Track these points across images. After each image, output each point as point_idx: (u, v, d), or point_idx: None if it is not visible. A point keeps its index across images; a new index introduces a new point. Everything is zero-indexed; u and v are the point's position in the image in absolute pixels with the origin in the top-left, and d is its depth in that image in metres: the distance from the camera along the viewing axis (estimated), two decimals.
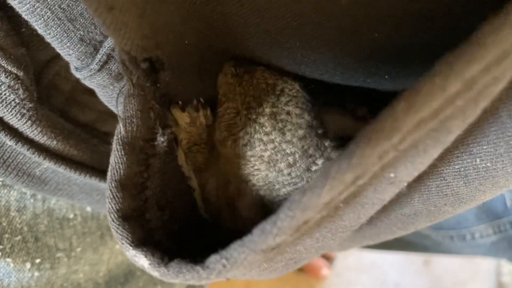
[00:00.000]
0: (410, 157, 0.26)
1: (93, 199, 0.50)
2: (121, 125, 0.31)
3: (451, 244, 0.80)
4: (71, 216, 0.53)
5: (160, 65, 0.32)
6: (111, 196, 0.30)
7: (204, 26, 0.35)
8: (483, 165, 0.33)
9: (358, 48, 0.35)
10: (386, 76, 0.41)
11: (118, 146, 0.31)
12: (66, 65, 0.45)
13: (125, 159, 0.31)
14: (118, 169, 0.31)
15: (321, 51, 0.36)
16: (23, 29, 0.41)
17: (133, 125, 0.31)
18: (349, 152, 0.23)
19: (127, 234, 0.30)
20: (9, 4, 0.35)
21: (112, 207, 0.30)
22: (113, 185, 0.31)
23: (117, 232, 0.30)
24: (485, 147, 0.33)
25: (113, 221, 0.30)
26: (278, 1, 0.31)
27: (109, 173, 0.31)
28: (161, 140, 0.33)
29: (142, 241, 0.30)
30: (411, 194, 0.37)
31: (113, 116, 0.49)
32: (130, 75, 0.31)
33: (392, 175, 0.27)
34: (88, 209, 0.55)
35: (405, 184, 0.31)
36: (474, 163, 0.34)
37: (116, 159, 0.31)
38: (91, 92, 0.46)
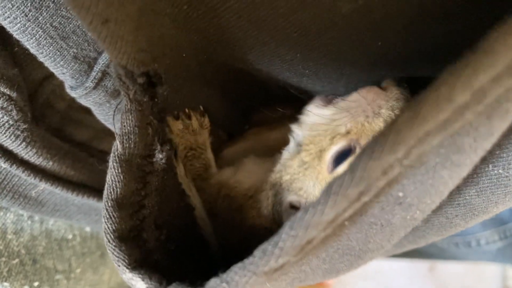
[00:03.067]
0: (419, 175, 0.25)
1: (91, 219, 0.49)
2: (118, 142, 0.30)
3: (456, 251, 0.79)
4: (70, 236, 0.52)
5: (157, 79, 0.31)
6: (107, 216, 0.29)
7: (201, 39, 0.34)
8: (495, 171, 0.32)
9: (361, 57, 0.35)
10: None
11: (115, 164, 0.30)
12: (61, 84, 0.44)
13: (122, 177, 0.30)
14: (115, 188, 0.30)
15: (323, 62, 0.35)
16: (16, 49, 0.40)
17: (130, 141, 0.30)
18: (352, 167, 0.22)
19: (123, 256, 0.29)
20: None
21: (108, 227, 0.29)
22: (109, 204, 0.30)
23: (113, 253, 0.29)
24: (497, 152, 0.32)
25: (109, 242, 0.29)
26: (276, 12, 0.30)
27: (105, 192, 0.30)
28: (159, 156, 0.32)
29: (139, 263, 0.29)
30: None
31: (110, 134, 0.48)
32: (127, 90, 0.30)
33: (400, 194, 0.26)
34: (87, 229, 0.54)
35: (417, 211, 0.29)
36: (486, 169, 0.33)
37: (112, 177, 0.30)
38: (87, 111, 0.45)
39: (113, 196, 0.30)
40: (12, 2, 0.32)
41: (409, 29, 0.33)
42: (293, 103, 0.54)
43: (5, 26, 0.34)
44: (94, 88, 0.38)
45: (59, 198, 0.45)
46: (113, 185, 0.30)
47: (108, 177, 0.30)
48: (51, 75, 0.44)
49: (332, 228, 0.25)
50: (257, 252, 0.24)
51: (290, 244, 0.23)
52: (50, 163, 0.42)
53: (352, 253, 0.32)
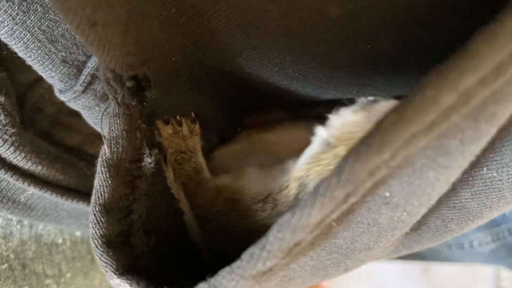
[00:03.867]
0: (406, 176, 0.25)
1: (82, 224, 0.49)
2: (106, 146, 0.30)
3: (449, 253, 0.79)
4: (60, 241, 0.52)
5: (146, 82, 0.31)
6: (95, 221, 0.29)
7: (190, 43, 0.34)
8: (490, 174, 0.32)
9: (351, 61, 0.35)
10: (381, 87, 0.41)
11: (102, 168, 0.30)
12: (50, 88, 0.43)
13: (110, 181, 0.30)
14: (102, 193, 0.30)
15: (313, 65, 0.35)
16: (4, 52, 0.40)
17: (118, 146, 0.30)
18: (339, 169, 0.22)
19: (111, 262, 0.28)
20: None
21: (95, 232, 0.29)
22: (97, 209, 0.29)
23: (100, 259, 0.29)
24: (491, 155, 0.32)
25: (97, 247, 0.29)
26: (265, 16, 0.30)
27: (93, 197, 0.30)
28: (148, 161, 0.32)
29: (127, 269, 0.29)
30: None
31: (100, 138, 0.48)
32: (115, 94, 0.30)
33: (387, 194, 0.26)
34: (78, 233, 0.54)
35: (404, 213, 0.29)
36: (481, 172, 0.33)
37: (100, 182, 0.30)
38: (77, 114, 0.45)
39: (100, 201, 0.30)
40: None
41: (399, 33, 0.33)
42: (284, 106, 0.54)
43: None
44: (83, 91, 0.38)
45: (49, 203, 0.45)
46: (101, 190, 0.30)
47: (96, 182, 0.30)
48: (40, 79, 0.43)
49: (320, 229, 0.25)
50: (245, 256, 0.24)
51: (278, 247, 0.23)
52: (39, 167, 0.41)
53: (340, 251, 0.32)
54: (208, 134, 0.49)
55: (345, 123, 0.39)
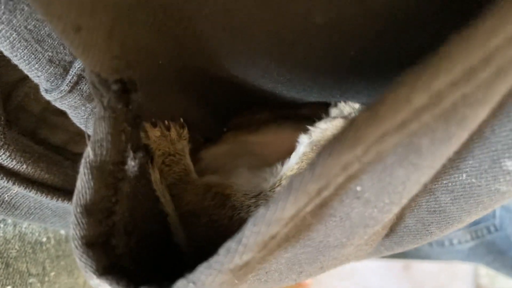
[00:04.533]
0: (377, 172, 0.25)
1: (66, 222, 0.49)
2: (89, 149, 0.30)
3: (430, 250, 0.81)
4: (44, 239, 0.52)
5: (132, 85, 0.31)
6: (76, 222, 0.29)
7: (177, 46, 0.34)
8: (469, 180, 0.33)
9: (335, 66, 0.35)
10: (363, 91, 0.41)
11: (85, 170, 0.30)
12: (36, 87, 0.43)
13: (92, 183, 0.30)
14: (84, 194, 0.30)
15: (297, 70, 0.36)
16: None
17: (102, 148, 0.30)
18: (312, 163, 0.22)
19: (91, 262, 0.28)
20: None
21: (76, 233, 0.29)
22: (78, 210, 0.29)
23: (80, 260, 0.29)
24: (470, 162, 0.32)
25: (77, 248, 0.29)
26: (251, 21, 0.31)
27: (74, 198, 0.30)
28: (132, 164, 0.32)
29: (107, 269, 0.29)
30: (403, 211, 0.37)
31: (85, 137, 0.48)
32: (101, 97, 0.30)
33: (358, 188, 0.26)
34: (62, 231, 0.54)
35: (375, 209, 0.30)
36: (460, 178, 0.33)
37: (83, 183, 0.30)
38: (63, 113, 0.45)
39: (82, 202, 0.30)
40: None
41: (380, 38, 0.33)
42: (269, 107, 0.55)
43: None
44: (70, 91, 0.38)
45: (33, 202, 0.45)
46: (83, 191, 0.30)
47: (78, 183, 0.30)
48: (25, 78, 0.43)
49: (294, 223, 0.25)
50: (222, 250, 0.24)
51: (253, 240, 0.24)
52: (24, 166, 0.41)
53: (313, 245, 0.32)
54: (194, 134, 0.50)
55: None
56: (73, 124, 0.45)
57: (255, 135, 0.54)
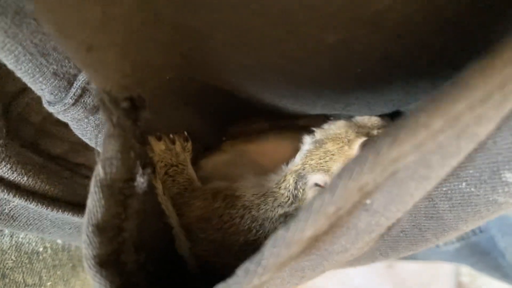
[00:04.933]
0: (387, 186, 0.26)
1: (65, 233, 0.49)
2: (100, 167, 0.30)
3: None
4: (41, 249, 0.51)
5: (141, 102, 0.31)
6: (88, 242, 0.29)
7: (184, 62, 0.34)
8: (468, 189, 0.34)
9: (341, 82, 0.36)
10: (365, 106, 0.42)
11: (96, 189, 0.30)
12: (36, 97, 0.43)
13: (103, 202, 0.30)
14: (96, 213, 0.30)
15: (304, 86, 0.36)
16: None
17: (112, 167, 0.30)
18: (332, 186, 0.23)
19: (105, 282, 0.29)
20: None
21: (89, 253, 0.29)
22: (90, 229, 0.29)
23: (94, 280, 0.29)
24: (471, 171, 0.33)
25: (90, 268, 0.29)
26: (263, 41, 0.31)
27: (86, 217, 0.30)
28: (141, 180, 0.32)
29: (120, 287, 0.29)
30: (403, 216, 0.38)
31: (85, 147, 0.48)
32: (110, 115, 0.30)
33: (368, 201, 0.27)
34: (59, 241, 0.53)
35: (382, 218, 0.31)
36: (460, 186, 0.34)
37: (94, 202, 0.30)
38: (62, 124, 0.45)
39: (93, 222, 0.29)
40: None
41: (387, 58, 0.34)
42: (268, 117, 0.55)
43: None
44: (73, 104, 0.38)
45: (32, 213, 0.44)
46: (94, 210, 0.30)
47: (89, 202, 0.30)
48: (25, 89, 0.43)
49: (310, 241, 0.26)
50: (240, 272, 0.25)
51: (273, 261, 0.24)
52: (25, 178, 0.41)
53: (318, 253, 0.33)
54: (194, 144, 0.50)
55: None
56: (73, 134, 0.45)
57: (253, 144, 0.55)
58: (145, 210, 0.34)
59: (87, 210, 0.30)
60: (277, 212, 0.43)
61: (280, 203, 0.43)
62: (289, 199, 0.43)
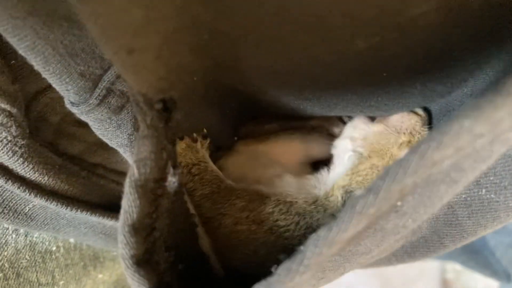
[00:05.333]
0: (420, 189, 0.27)
1: (80, 232, 0.49)
2: (135, 168, 0.30)
3: None
4: (54, 248, 0.51)
5: (173, 104, 0.32)
6: (125, 242, 0.30)
7: (213, 64, 0.35)
8: (488, 196, 0.35)
9: (365, 85, 0.37)
10: (383, 107, 0.43)
11: (131, 189, 0.30)
12: (55, 97, 0.43)
13: (138, 202, 0.30)
14: (131, 213, 0.30)
15: (329, 89, 0.37)
16: (13, 62, 0.39)
17: (146, 167, 0.31)
18: (376, 188, 0.24)
19: (143, 281, 0.29)
20: None
21: (126, 253, 0.29)
22: (126, 229, 0.30)
23: (133, 279, 0.29)
24: (491, 178, 0.35)
25: (128, 267, 0.29)
26: (295, 46, 0.31)
27: (121, 218, 0.30)
28: (172, 180, 0.33)
29: (156, 286, 0.30)
30: (422, 222, 0.39)
31: (102, 147, 0.48)
32: (144, 116, 0.30)
33: (399, 203, 0.28)
34: (71, 240, 0.53)
35: (410, 219, 0.32)
36: (479, 193, 0.36)
37: (129, 202, 0.30)
38: (80, 124, 0.45)
39: (129, 222, 0.30)
40: (25, 21, 0.32)
41: (413, 64, 0.35)
42: (278, 118, 0.56)
43: (12, 44, 0.33)
44: (98, 104, 0.38)
45: (50, 213, 0.45)
46: (130, 210, 0.30)
47: (124, 203, 0.30)
48: (45, 89, 0.43)
49: (348, 241, 0.27)
50: (282, 271, 0.26)
51: (314, 260, 0.25)
52: (46, 178, 0.41)
53: (342, 253, 0.34)
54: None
55: (368, 135, 0.43)
56: (90, 134, 0.45)
57: (267, 144, 0.55)
58: (174, 209, 0.35)
59: (122, 211, 0.30)
60: (327, 222, 0.43)
61: (329, 214, 0.44)
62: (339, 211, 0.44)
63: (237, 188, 0.44)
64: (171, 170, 0.33)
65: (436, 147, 0.23)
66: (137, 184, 0.31)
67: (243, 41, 0.32)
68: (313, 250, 0.25)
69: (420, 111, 0.47)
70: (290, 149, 0.54)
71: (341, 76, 0.35)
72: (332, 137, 0.55)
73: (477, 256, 0.81)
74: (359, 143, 0.45)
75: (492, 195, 0.36)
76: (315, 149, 0.57)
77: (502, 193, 0.35)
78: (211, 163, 0.45)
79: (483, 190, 0.36)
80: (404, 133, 0.45)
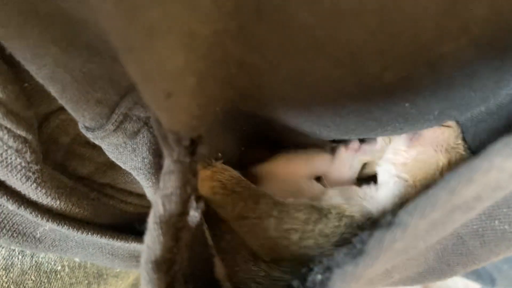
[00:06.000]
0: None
1: (88, 253, 0.48)
2: (160, 204, 0.30)
3: None
4: (59, 267, 0.50)
5: (200, 139, 0.31)
6: (148, 279, 0.29)
7: (235, 94, 0.35)
8: (501, 227, 0.36)
9: (386, 114, 0.37)
10: (395, 131, 0.43)
11: (155, 226, 0.30)
12: (66, 118, 0.42)
13: (162, 238, 0.30)
14: (155, 250, 0.30)
15: (350, 117, 0.37)
16: (26, 85, 0.38)
17: (171, 203, 0.30)
18: (404, 223, 0.24)
19: None
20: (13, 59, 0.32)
21: None
22: (150, 266, 0.29)
23: None
24: (504, 210, 0.35)
25: None
26: (323, 79, 0.31)
27: (145, 255, 0.30)
28: (195, 214, 0.32)
29: None
30: (427, 253, 0.39)
31: (111, 168, 0.47)
32: (171, 152, 0.30)
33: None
34: (76, 258, 0.52)
35: (421, 242, 0.32)
36: (492, 224, 0.36)
37: (153, 239, 0.30)
38: (90, 144, 0.44)
39: (152, 259, 0.29)
40: (46, 50, 0.31)
41: (434, 96, 0.35)
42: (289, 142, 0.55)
43: (31, 72, 0.32)
44: (114, 130, 0.38)
45: (59, 235, 0.44)
46: (154, 247, 0.30)
47: (148, 239, 0.30)
48: (56, 110, 0.42)
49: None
50: None
51: None
52: (58, 202, 0.40)
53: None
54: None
55: (407, 161, 0.42)
56: (100, 155, 0.45)
57: (269, 165, 0.55)
58: (194, 241, 0.34)
59: (145, 248, 0.30)
60: None
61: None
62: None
63: (288, 202, 0.43)
64: (194, 204, 0.33)
65: (465, 183, 0.24)
66: (161, 220, 0.30)
67: (272, 74, 0.31)
68: (341, 285, 0.25)
69: (451, 123, 0.46)
70: (294, 165, 0.54)
71: (365, 107, 0.35)
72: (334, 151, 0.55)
73: None
74: (401, 169, 0.45)
75: (506, 226, 0.36)
76: (318, 163, 0.56)
77: None
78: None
79: (496, 222, 0.36)
80: (441, 151, 0.44)
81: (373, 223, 0.41)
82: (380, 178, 0.46)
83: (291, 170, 0.55)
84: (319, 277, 0.29)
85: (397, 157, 0.45)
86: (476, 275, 0.80)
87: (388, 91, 0.33)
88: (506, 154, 0.23)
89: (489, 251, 0.38)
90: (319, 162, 0.56)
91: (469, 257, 0.39)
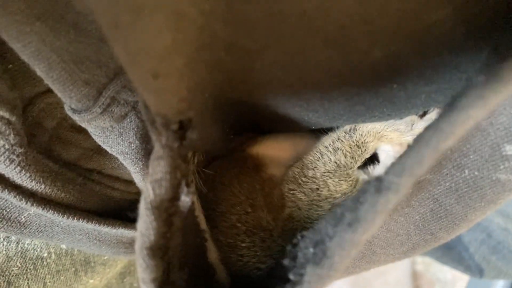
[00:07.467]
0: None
1: (74, 239, 0.47)
2: (150, 189, 0.29)
3: None
4: (45, 254, 0.49)
5: (188, 124, 0.30)
6: (145, 266, 0.29)
7: (224, 79, 0.34)
8: (471, 174, 0.36)
9: (374, 97, 0.36)
10: (384, 117, 0.43)
11: (147, 211, 0.29)
12: (52, 102, 0.41)
13: (155, 224, 0.29)
14: (149, 236, 0.29)
15: (339, 100, 0.36)
16: (10, 66, 0.37)
17: (162, 188, 0.29)
18: (395, 185, 0.24)
19: None
20: None
21: (147, 277, 0.28)
22: (145, 253, 0.29)
23: None
24: (471, 156, 0.35)
25: None
26: (313, 60, 0.31)
27: (139, 241, 0.29)
28: (186, 199, 0.32)
29: None
30: (408, 226, 0.40)
31: (98, 153, 0.46)
32: (159, 136, 0.29)
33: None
34: (63, 246, 0.51)
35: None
36: (463, 175, 0.36)
37: (146, 225, 0.29)
38: (76, 129, 0.43)
39: (147, 245, 0.29)
40: (31, 27, 0.29)
41: (422, 76, 0.35)
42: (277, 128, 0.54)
43: (16, 50, 0.31)
44: (101, 113, 0.36)
45: (44, 220, 0.43)
46: (147, 233, 0.29)
47: (141, 225, 0.29)
48: (41, 93, 0.40)
49: None
50: (311, 277, 0.26)
51: (343, 263, 0.26)
52: (42, 186, 0.39)
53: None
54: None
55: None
56: (86, 139, 0.43)
57: (259, 147, 0.54)
58: (186, 226, 0.34)
59: (139, 234, 0.29)
60: None
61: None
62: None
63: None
64: (184, 189, 0.32)
65: (445, 138, 0.24)
66: (153, 206, 0.30)
67: (261, 55, 0.30)
68: (341, 254, 0.25)
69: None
70: (280, 147, 0.54)
71: (353, 88, 0.35)
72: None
73: (451, 252, 0.83)
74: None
75: (476, 172, 0.36)
76: (303, 145, 0.56)
77: (485, 167, 0.36)
78: None
79: (466, 171, 0.36)
80: None
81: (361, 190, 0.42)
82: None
83: (276, 153, 0.55)
84: (310, 250, 0.29)
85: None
86: (465, 267, 0.82)
87: (376, 69, 0.33)
88: (479, 106, 0.23)
89: (466, 205, 0.38)
90: (303, 144, 0.56)
91: (448, 218, 0.39)
